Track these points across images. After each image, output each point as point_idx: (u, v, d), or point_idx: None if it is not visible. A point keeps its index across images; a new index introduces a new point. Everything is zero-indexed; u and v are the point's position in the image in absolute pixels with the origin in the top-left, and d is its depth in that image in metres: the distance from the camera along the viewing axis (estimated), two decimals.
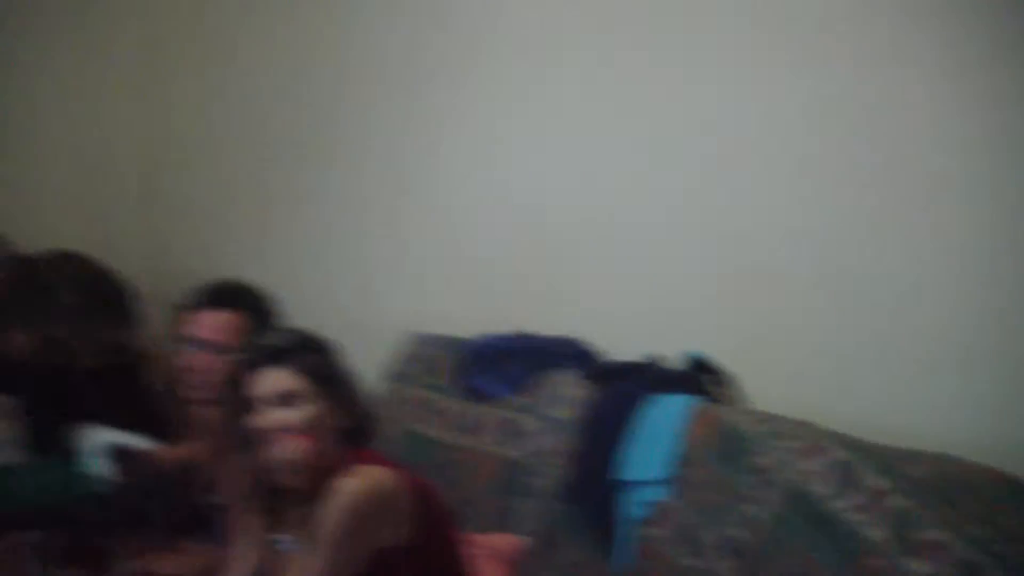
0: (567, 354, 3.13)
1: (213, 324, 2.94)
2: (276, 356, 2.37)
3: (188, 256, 5.13)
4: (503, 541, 2.97)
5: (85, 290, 4.86)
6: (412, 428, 3.34)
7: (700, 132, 2.98)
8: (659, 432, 2.73)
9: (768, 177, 2.83)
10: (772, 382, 2.82)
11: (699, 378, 2.86)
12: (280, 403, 2.34)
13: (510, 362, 3.19)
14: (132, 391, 4.42)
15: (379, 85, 4.01)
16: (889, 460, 2.25)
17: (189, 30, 4.96)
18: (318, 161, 4.34)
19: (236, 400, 2.40)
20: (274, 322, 3.01)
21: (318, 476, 2.33)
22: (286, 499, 2.39)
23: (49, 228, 5.08)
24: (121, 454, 3.27)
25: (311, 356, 2.38)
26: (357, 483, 2.27)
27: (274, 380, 2.35)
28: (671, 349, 2.95)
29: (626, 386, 2.88)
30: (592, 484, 2.81)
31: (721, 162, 2.94)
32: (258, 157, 4.73)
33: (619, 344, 3.08)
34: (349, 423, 2.41)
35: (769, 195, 2.83)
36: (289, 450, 2.31)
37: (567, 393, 3.02)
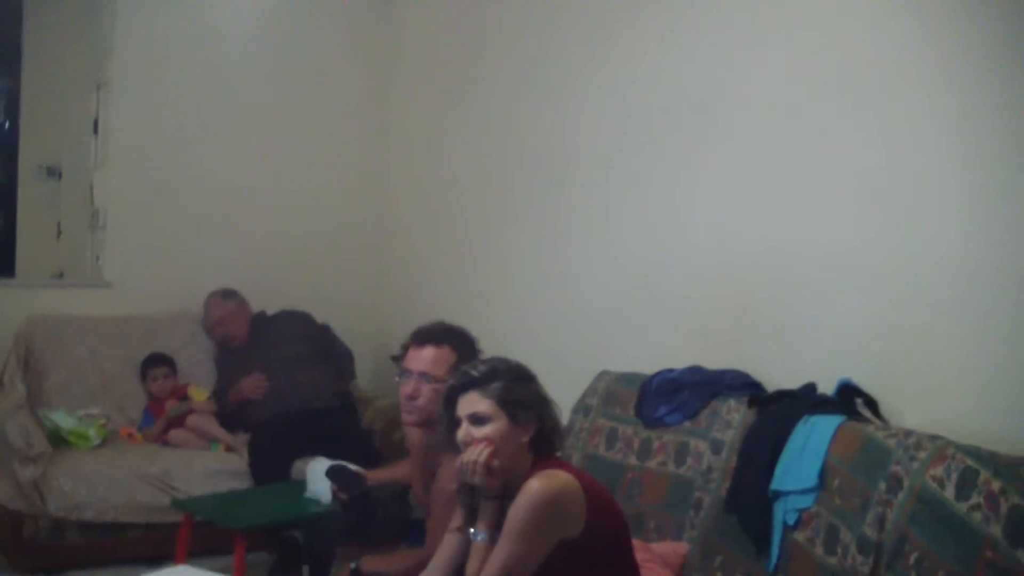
0: (734, 384, 3.45)
1: (422, 358, 3.39)
2: (472, 383, 2.82)
3: (404, 304, 5.83)
4: (670, 548, 3.31)
5: (311, 343, 5.58)
6: (595, 453, 3.72)
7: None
8: (809, 448, 3.02)
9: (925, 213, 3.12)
10: (910, 402, 3.06)
11: (849, 401, 3.12)
12: (473, 422, 2.79)
13: (684, 393, 3.53)
14: (350, 429, 5.03)
15: (588, 151, 4.51)
16: (1006, 465, 2.50)
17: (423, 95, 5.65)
18: (526, 221, 4.89)
19: (447, 417, 2.86)
20: (476, 355, 3.44)
21: (506, 479, 2.76)
22: (480, 498, 2.81)
23: (280, 289, 5.78)
24: (341, 477, 3.75)
25: (501, 383, 2.81)
26: (541, 484, 2.68)
27: (470, 403, 2.80)
28: (827, 377, 3.23)
29: (783, 409, 3.18)
30: (751, 495, 3.12)
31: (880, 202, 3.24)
32: (473, 216, 5.34)
33: (781, 374, 3.38)
34: (535, 436, 2.81)
35: (923, 229, 3.11)
36: (475, 456, 2.75)
37: (733, 418, 3.35)
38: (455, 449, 2.83)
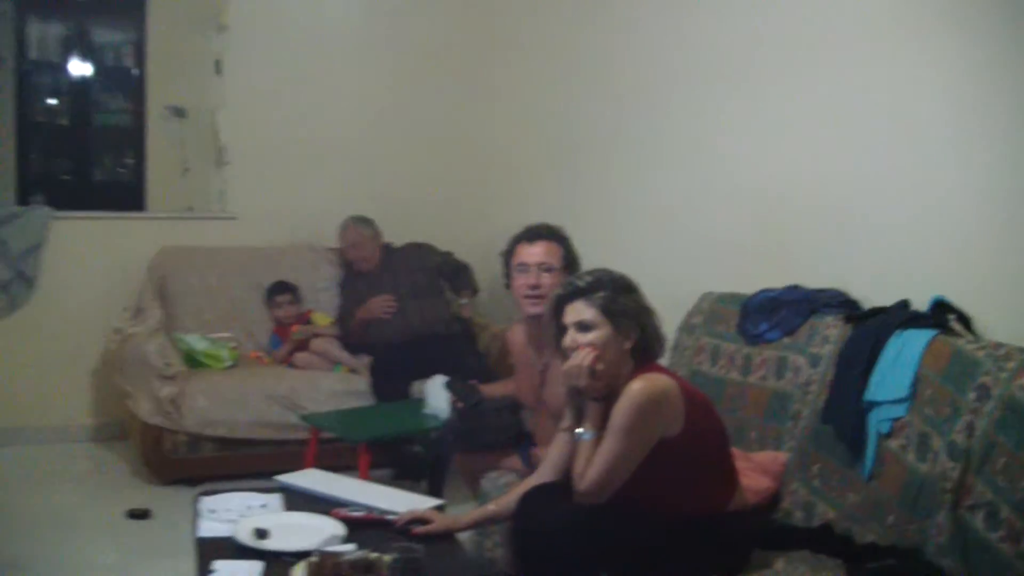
0: (831, 302, 3.60)
1: (537, 251, 3.69)
2: (579, 292, 3.02)
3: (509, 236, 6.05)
4: (769, 457, 3.49)
5: (433, 273, 5.84)
6: (699, 369, 3.90)
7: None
8: (902, 360, 3.15)
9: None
10: (1003, 318, 3.18)
11: (941, 317, 3.25)
12: (579, 329, 2.99)
13: (783, 311, 3.68)
14: (466, 352, 5.30)
15: (688, 77, 4.66)
16: None
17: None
18: (629, 149, 5.09)
19: (554, 325, 3.07)
20: (574, 251, 3.71)
21: (609, 382, 2.96)
22: (586, 400, 3.02)
23: (393, 221, 6.07)
24: (458, 388, 4.03)
25: (606, 293, 3.00)
26: (642, 385, 2.89)
27: (576, 311, 3.01)
28: (921, 294, 3.35)
29: (877, 325, 3.31)
30: (846, 406, 3.26)
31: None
32: (576, 147, 5.58)
33: (877, 293, 3.52)
34: (636, 344, 3.00)
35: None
36: (580, 360, 2.95)
37: (830, 334, 3.49)
38: (562, 355, 3.04)
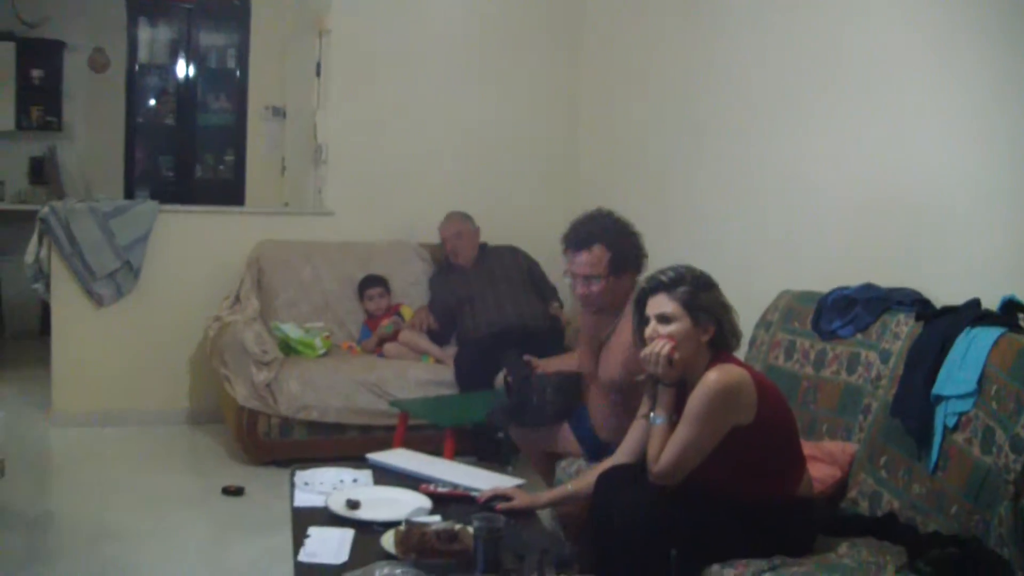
0: (904, 300, 3.69)
1: (580, 263, 3.79)
2: (661, 287, 3.18)
3: None
4: (839, 447, 3.60)
5: (525, 273, 6.01)
6: (775, 364, 4.02)
7: None
8: (970, 356, 3.23)
9: None
10: None
11: (1011, 316, 3.33)
12: (660, 321, 3.14)
13: (857, 308, 3.79)
14: (553, 347, 5.44)
15: (771, 81, 4.81)
16: None
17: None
18: (710, 154, 5.24)
19: (637, 315, 3.24)
20: (627, 237, 3.82)
21: (685, 372, 3.12)
22: (660, 387, 3.17)
23: (497, 227, 6.28)
24: (510, 362, 4.23)
25: (686, 288, 3.15)
26: (718, 375, 3.03)
27: (658, 304, 3.16)
28: (993, 294, 3.44)
29: (948, 322, 3.41)
30: (915, 400, 3.35)
31: None
32: (659, 150, 5.76)
33: (949, 292, 3.61)
34: (713, 337, 3.15)
35: None
36: (658, 349, 3.11)
37: (901, 331, 3.59)
38: (643, 343, 3.19)
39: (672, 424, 3.09)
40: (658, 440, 3.09)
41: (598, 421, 3.92)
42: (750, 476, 3.09)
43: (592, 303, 3.81)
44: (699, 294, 3.13)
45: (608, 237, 3.79)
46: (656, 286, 3.18)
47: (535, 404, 4.02)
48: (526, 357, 4.26)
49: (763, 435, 3.07)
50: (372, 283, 6.11)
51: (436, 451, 4.43)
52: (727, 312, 3.18)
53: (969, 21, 3.69)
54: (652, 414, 3.14)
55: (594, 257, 3.76)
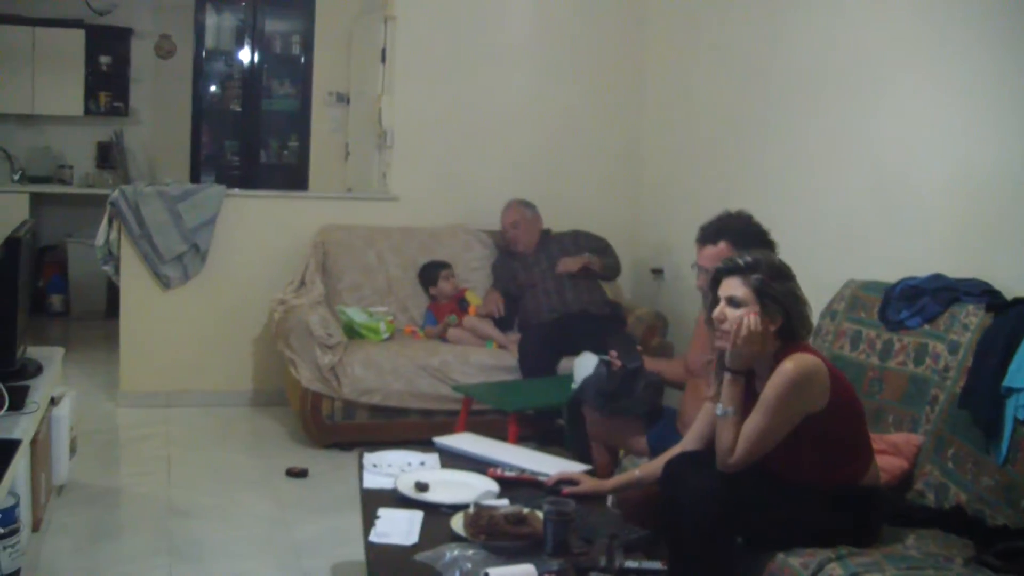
0: (973, 292, 3.67)
1: (707, 255, 3.83)
2: (735, 270, 3.18)
3: (658, 224, 6.26)
4: (903, 438, 3.59)
5: (588, 252, 6.02)
6: (840, 353, 4.00)
7: None
8: None
9: None
10: None
11: None
12: (730, 303, 3.15)
13: (925, 299, 3.77)
14: (615, 334, 5.44)
15: (836, 66, 4.80)
16: None
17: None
18: (775, 139, 5.25)
19: (711, 295, 3.24)
20: (756, 236, 3.82)
21: (756, 360, 3.12)
22: (726, 375, 3.18)
23: (545, 207, 6.31)
24: (623, 346, 4.16)
25: (760, 275, 3.15)
26: (795, 364, 3.04)
27: (730, 286, 3.17)
28: None
29: (1018, 313, 3.39)
30: (984, 392, 3.34)
31: None
32: (722, 135, 5.79)
33: (1020, 282, 3.58)
34: (782, 326, 3.14)
35: None
36: (729, 336, 3.12)
37: (970, 322, 3.57)
38: (711, 324, 3.20)
39: (741, 415, 3.10)
40: (729, 431, 3.09)
41: (691, 412, 3.81)
42: (819, 463, 3.10)
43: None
44: (772, 283, 3.13)
45: (734, 236, 3.84)
46: (731, 268, 3.18)
47: (638, 396, 4.04)
48: (638, 347, 4.26)
49: (834, 422, 3.07)
50: (442, 266, 6.15)
51: (497, 436, 4.47)
52: (798, 304, 3.17)
53: None
54: (720, 405, 3.14)
55: (718, 251, 3.79)
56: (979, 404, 3.36)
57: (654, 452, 3.86)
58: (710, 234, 3.88)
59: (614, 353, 4.09)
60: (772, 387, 3.04)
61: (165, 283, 6.12)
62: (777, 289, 3.13)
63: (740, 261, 3.18)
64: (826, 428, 3.06)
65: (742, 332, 3.06)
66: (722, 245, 3.82)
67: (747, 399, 3.12)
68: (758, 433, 3.04)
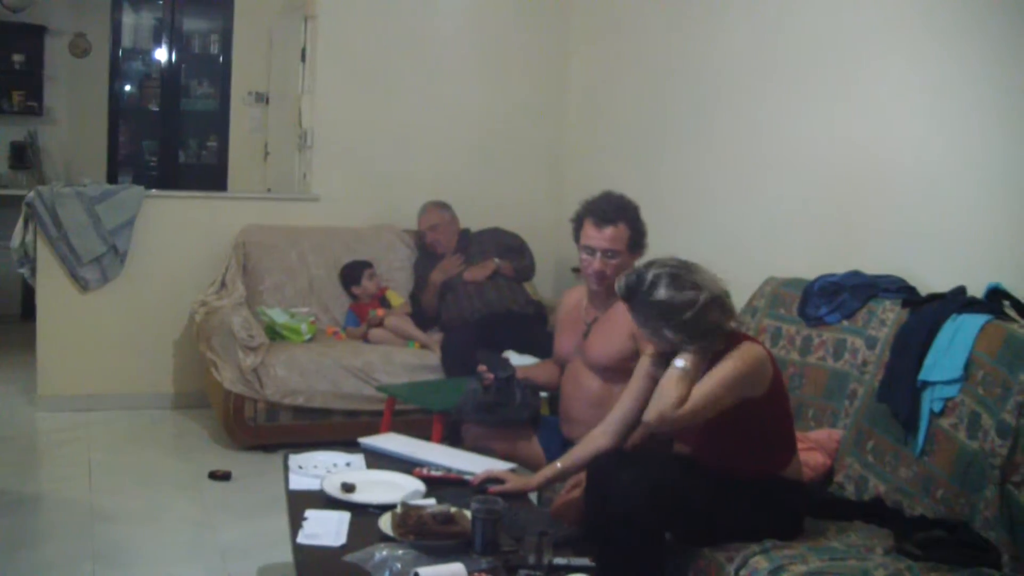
0: (891, 288, 3.75)
1: (604, 237, 3.78)
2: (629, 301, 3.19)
3: None
4: (825, 435, 3.66)
5: (508, 254, 6.04)
6: None
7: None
8: (956, 343, 3.29)
9: None
10: None
11: (997, 303, 3.39)
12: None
13: (843, 295, 3.84)
14: (537, 333, 5.47)
15: (750, 70, 4.89)
16: None
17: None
18: (697, 138, 5.31)
19: (641, 317, 3.20)
20: (642, 225, 3.83)
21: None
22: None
23: (467, 206, 6.34)
24: (491, 360, 4.13)
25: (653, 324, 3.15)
26: (757, 350, 3.12)
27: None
28: (978, 282, 3.50)
29: (934, 309, 3.46)
30: (901, 386, 3.41)
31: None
32: (645, 135, 5.84)
33: (935, 279, 3.67)
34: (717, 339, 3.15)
35: None
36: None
37: (887, 317, 3.65)
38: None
39: (695, 379, 3.09)
40: (684, 386, 3.05)
41: (575, 406, 3.88)
42: (744, 451, 3.14)
43: (605, 279, 3.78)
44: (662, 329, 3.14)
45: (630, 217, 3.82)
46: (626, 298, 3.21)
47: (518, 402, 3.97)
48: (504, 356, 4.25)
49: (766, 411, 3.14)
50: (365, 265, 6.13)
51: (422, 435, 4.47)
52: (700, 330, 3.12)
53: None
54: (681, 359, 3.11)
55: (619, 232, 3.77)
56: (897, 398, 3.44)
57: (548, 455, 3.87)
58: (610, 215, 3.80)
59: (483, 367, 4.03)
60: (730, 362, 3.07)
61: (83, 285, 6.03)
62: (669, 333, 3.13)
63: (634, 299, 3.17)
64: (757, 415, 3.12)
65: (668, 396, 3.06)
66: (621, 227, 3.79)
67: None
68: (707, 400, 3.05)
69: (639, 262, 3.79)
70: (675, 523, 3.11)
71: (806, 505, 3.27)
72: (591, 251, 3.81)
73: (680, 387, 3.06)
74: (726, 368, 3.07)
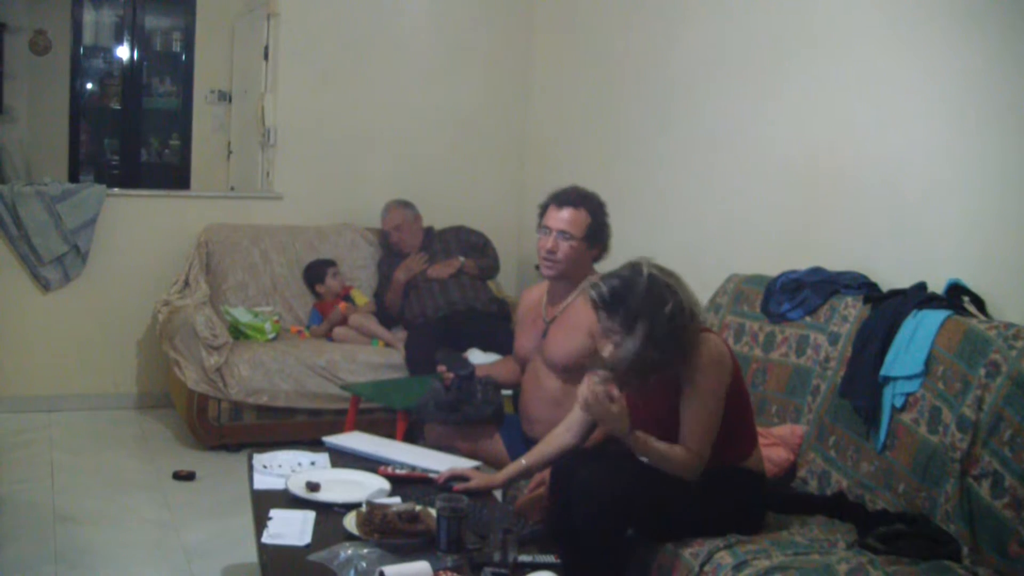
0: (852, 284, 3.78)
1: (562, 218, 3.78)
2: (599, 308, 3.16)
3: None
4: (788, 430, 3.69)
5: (472, 252, 6.05)
6: None
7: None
8: (917, 339, 3.33)
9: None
10: (1016, 301, 3.36)
11: (956, 299, 3.43)
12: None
13: (805, 291, 3.87)
14: (501, 331, 5.48)
15: (707, 76, 4.92)
16: None
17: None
18: (660, 138, 5.31)
19: (606, 317, 3.17)
20: (605, 218, 3.83)
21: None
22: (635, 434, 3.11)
23: (431, 204, 6.36)
24: (450, 359, 4.11)
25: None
26: (715, 351, 3.09)
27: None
28: (938, 278, 3.53)
29: (895, 305, 3.50)
30: (863, 381, 3.45)
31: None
32: (607, 135, 5.85)
33: (895, 275, 3.70)
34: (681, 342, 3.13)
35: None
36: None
37: (849, 313, 3.68)
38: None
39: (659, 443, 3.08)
40: (669, 464, 3.06)
41: (534, 404, 3.89)
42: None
43: (556, 263, 3.77)
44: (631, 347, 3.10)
45: (593, 207, 3.82)
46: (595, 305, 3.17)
47: (480, 400, 3.95)
48: (464, 355, 4.24)
49: (727, 400, 3.13)
50: (328, 263, 6.12)
51: (386, 434, 4.47)
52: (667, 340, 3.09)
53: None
54: (644, 459, 3.09)
55: (578, 216, 3.77)
56: (859, 393, 3.47)
57: (511, 452, 3.86)
58: (573, 198, 3.81)
59: (443, 367, 4.02)
60: (705, 377, 3.07)
61: (45, 285, 5.98)
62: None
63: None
64: (729, 403, 3.13)
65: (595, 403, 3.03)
66: (582, 211, 3.79)
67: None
68: (706, 424, 3.07)
69: (598, 265, 3.81)
70: (637, 518, 3.12)
71: (766, 497, 3.29)
72: (547, 230, 3.80)
73: (669, 462, 3.06)
74: (703, 389, 3.07)
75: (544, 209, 3.86)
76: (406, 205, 6.22)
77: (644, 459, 3.08)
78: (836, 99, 4.13)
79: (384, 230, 6.25)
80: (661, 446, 3.07)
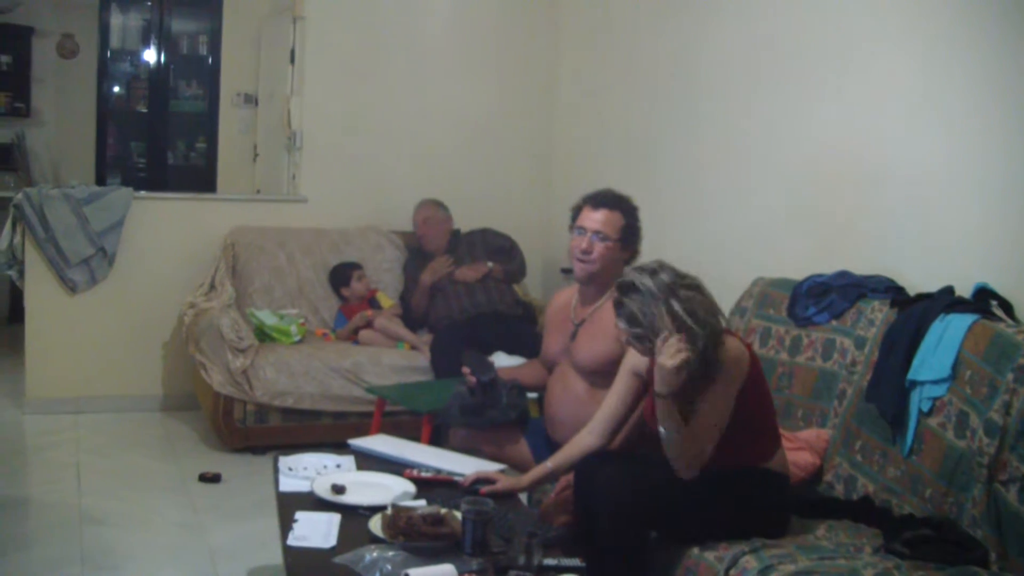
0: (879, 288, 3.76)
1: (597, 218, 3.79)
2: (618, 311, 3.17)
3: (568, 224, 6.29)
4: (814, 435, 3.67)
5: (498, 255, 6.05)
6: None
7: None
8: (944, 342, 3.31)
9: None
10: None
11: (984, 303, 3.40)
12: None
13: (832, 295, 3.86)
14: (526, 334, 5.48)
15: (735, 77, 4.91)
16: None
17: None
18: (689, 140, 5.30)
19: (625, 322, 3.17)
20: (638, 223, 3.83)
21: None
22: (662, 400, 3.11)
23: (458, 207, 6.36)
24: (474, 362, 4.06)
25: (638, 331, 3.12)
26: (733, 355, 3.08)
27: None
28: (966, 282, 3.51)
29: (922, 309, 3.48)
30: (890, 386, 3.43)
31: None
32: (635, 138, 5.81)
33: (923, 279, 3.68)
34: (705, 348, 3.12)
35: None
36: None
37: (876, 317, 3.66)
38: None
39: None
40: (687, 442, 3.05)
41: (561, 407, 3.87)
42: (728, 442, 3.10)
43: (589, 264, 3.77)
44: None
45: (627, 209, 3.83)
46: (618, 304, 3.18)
47: (505, 404, 3.94)
48: (489, 359, 4.23)
49: (747, 401, 3.12)
50: (354, 266, 6.14)
51: (411, 437, 4.47)
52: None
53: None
54: (661, 429, 3.07)
55: (613, 217, 3.78)
56: (885, 397, 3.45)
57: (536, 456, 3.86)
58: (609, 199, 3.81)
59: (467, 370, 4.00)
60: (722, 377, 3.06)
61: (72, 287, 6.01)
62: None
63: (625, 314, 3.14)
64: (738, 406, 3.11)
65: (671, 361, 2.99)
66: (617, 213, 3.79)
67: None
68: (715, 428, 3.06)
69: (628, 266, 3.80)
70: (660, 521, 3.12)
71: (792, 501, 3.28)
72: (582, 231, 3.80)
73: (682, 446, 3.04)
74: (720, 392, 3.06)
75: (578, 211, 3.86)
76: (439, 204, 6.26)
77: (661, 429, 3.06)
78: (863, 104, 4.11)
79: (414, 223, 6.26)
80: (681, 425, 3.04)
